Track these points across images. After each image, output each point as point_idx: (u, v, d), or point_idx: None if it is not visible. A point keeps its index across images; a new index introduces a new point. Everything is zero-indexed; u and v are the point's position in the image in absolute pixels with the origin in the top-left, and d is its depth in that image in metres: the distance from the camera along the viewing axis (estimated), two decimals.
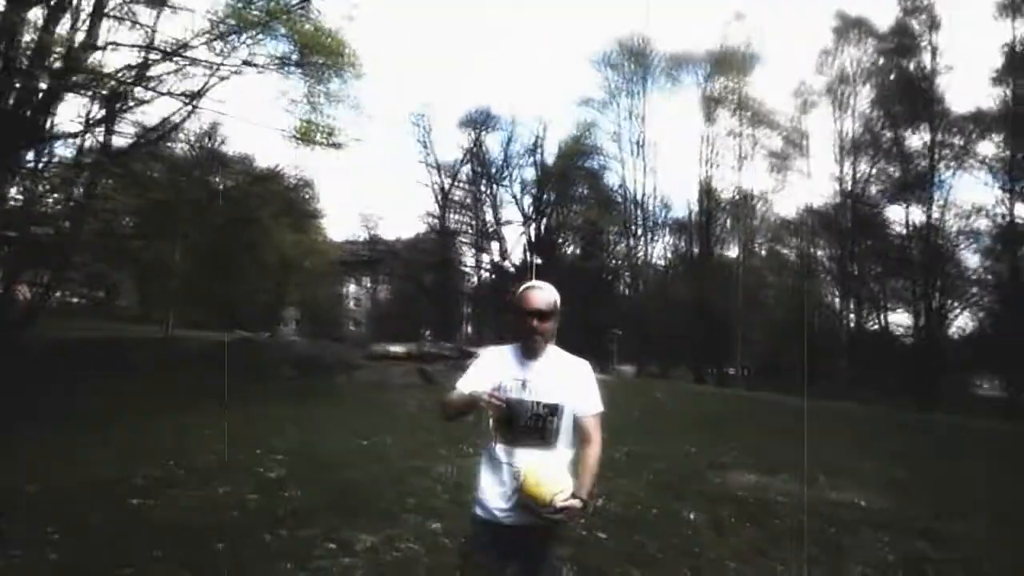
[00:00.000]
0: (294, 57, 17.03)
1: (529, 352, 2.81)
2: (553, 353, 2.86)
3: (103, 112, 18.11)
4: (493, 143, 50.43)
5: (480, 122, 49.06)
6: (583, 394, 2.79)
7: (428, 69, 74.46)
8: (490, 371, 2.84)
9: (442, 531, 5.89)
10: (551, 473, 2.61)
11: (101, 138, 18.84)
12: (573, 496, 2.57)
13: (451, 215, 51.28)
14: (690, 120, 47.23)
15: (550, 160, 48.81)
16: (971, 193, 52.74)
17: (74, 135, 18.25)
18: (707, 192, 46.26)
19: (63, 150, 19.78)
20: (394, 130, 63.72)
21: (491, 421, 2.79)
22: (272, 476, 7.66)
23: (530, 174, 49.63)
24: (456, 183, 50.38)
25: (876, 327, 43.81)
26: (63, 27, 16.14)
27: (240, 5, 16.63)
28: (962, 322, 41.83)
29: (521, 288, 2.88)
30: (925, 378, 37.10)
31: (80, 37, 16.34)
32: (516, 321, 2.81)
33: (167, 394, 14.28)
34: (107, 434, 9.74)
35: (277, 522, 5.99)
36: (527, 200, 49.61)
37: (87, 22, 16.72)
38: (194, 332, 28.05)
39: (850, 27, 42.81)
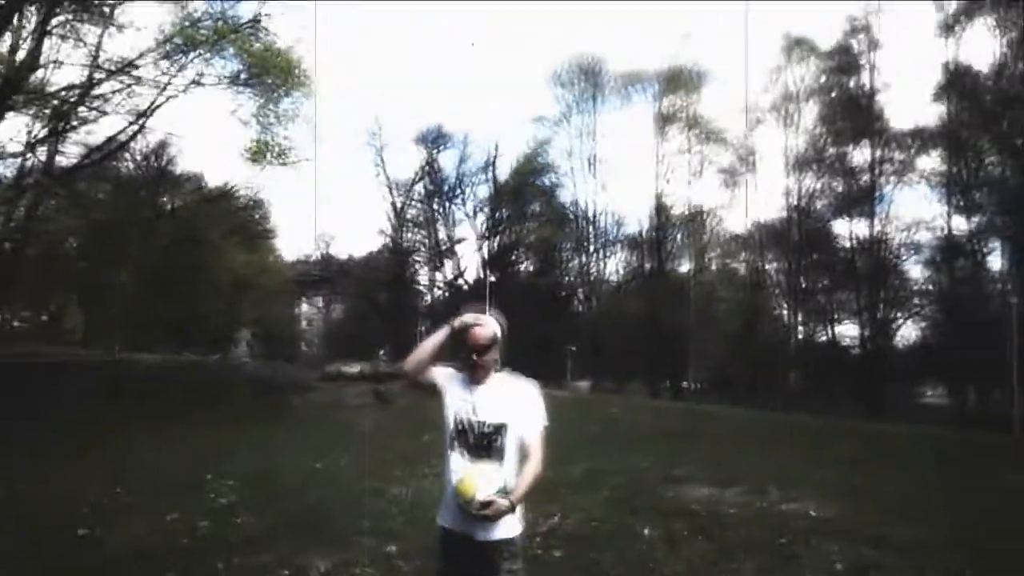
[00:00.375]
0: (244, 76, 16.90)
1: (476, 379, 3.08)
2: (499, 377, 3.13)
3: (46, 131, 17.74)
4: (446, 161, 50.42)
5: (433, 140, 49.17)
6: (526, 413, 3.06)
7: (380, 87, 74.36)
8: (447, 383, 3.13)
9: (398, 553, 5.85)
10: (482, 475, 2.84)
11: (44, 158, 18.47)
12: (506, 498, 2.81)
13: (405, 233, 51.18)
14: (642, 137, 47.94)
15: (503, 178, 49.07)
16: (913, 207, 54.59)
17: (16, 155, 17.83)
18: (659, 208, 46.89)
19: (4, 170, 19.33)
20: (347, 148, 63.35)
21: (447, 436, 3.06)
22: (224, 501, 7.53)
23: (484, 192, 49.89)
24: (410, 201, 50.34)
25: (824, 338, 44.82)
26: (3, 45, 15.83)
27: (188, 24, 16.49)
28: (906, 332, 43.15)
29: (468, 315, 3.12)
30: (872, 387, 37.99)
31: (22, 55, 16.02)
32: (462, 353, 3.08)
33: (113, 419, 13.94)
34: (51, 461, 9.49)
35: (230, 549, 5.89)
36: (481, 217, 49.82)
37: (29, 40, 16.40)
38: (141, 355, 27.48)
39: (794, 46, 43.93)
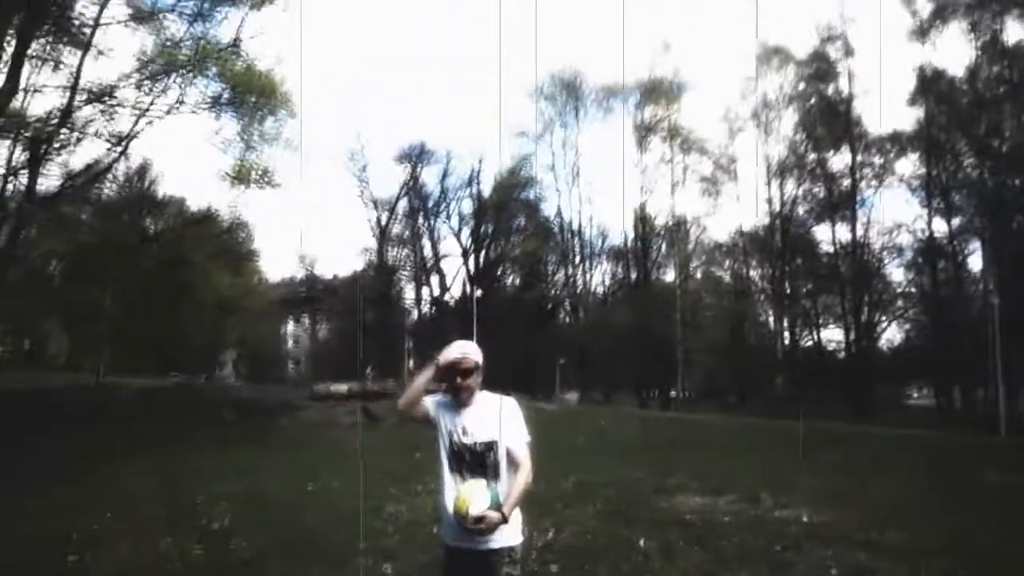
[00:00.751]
0: (226, 97, 16.87)
1: (462, 402, 3.30)
2: (482, 397, 3.34)
3: (26, 156, 17.64)
4: (429, 177, 50.37)
5: (416, 156, 49.11)
6: (512, 428, 3.27)
7: (362, 105, 74.44)
8: (438, 411, 3.33)
9: (394, 573, 5.84)
10: (475, 492, 3.05)
11: (26, 183, 18.35)
12: (499, 512, 3.02)
13: (390, 250, 51.04)
14: (623, 149, 48.12)
15: (487, 192, 49.12)
16: (893, 210, 54.94)
17: None
18: (642, 219, 47.07)
19: None
20: (330, 166, 63.34)
21: (442, 458, 3.26)
22: (217, 525, 7.48)
23: (467, 207, 49.83)
24: (393, 218, 50.24)
25: (810, 343, 45.08)
26: None
27: (168, 45, 16.48)
28: (891, 334, 43.51)
29: (450, 348, 3.34)
30: (859, 390, 38.20)
31: (1, 81, 15.94)
32: (447, 379, 3.29)
33: (101, 445, 13.82)
34: (39, 489, 9.39)
35: (225, 573, 5.85)
36: (465, 233, 49.75)
37: (7, 65, 16.31)
38: (127, 379, 27.26)
39: (770, 55, 44.31)
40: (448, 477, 3.24)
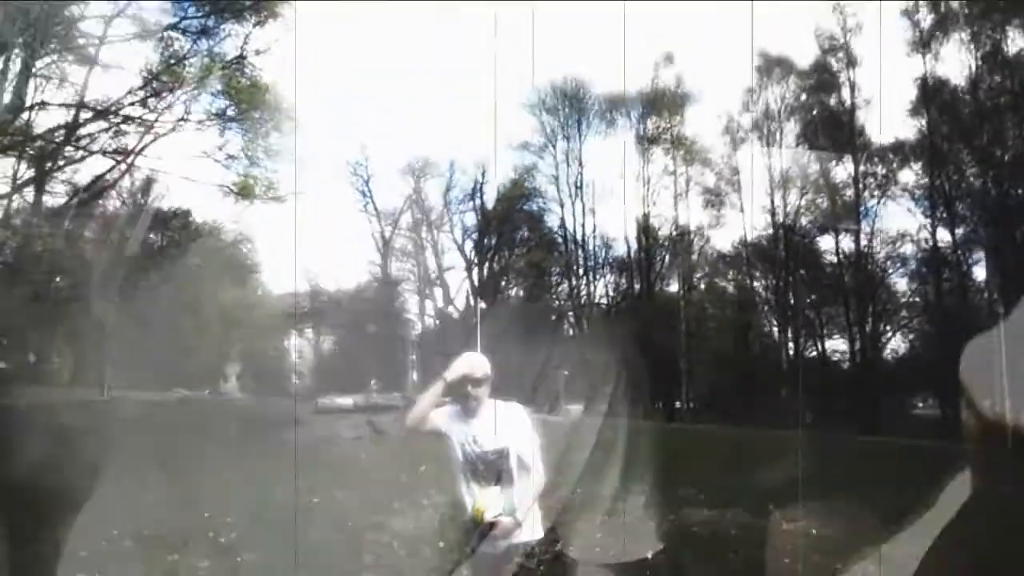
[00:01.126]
0: (231, 112, 16.95)
1: (471, 412, 3.53)
2: (490, 406, 3.54)
3: (33, 172, 17.73)
4: (433, 190, 50.38)
5: (419, 169, 49.12)
6: (520, 434, 3.49)
7: (366, 117, 74.50)
8: (448, 423, 3.58)
9: None
10: (489, 499, 3.32)
11: (31, 199, 18.43)
12: (511, 516, 3.28)
13: (393, 263, 51.02)
14: (626, 160, 48.01)
15: (490, 204, 49.09)
16: (896, 220, 54.61)
17: (2, 197, 17.78)
18: (645, 230, 46.97)
19: None
20: (332, 179, 63.29)
21: (456, 468, 3.54)
22: (223, 541, 7.46)
23: (471, 219, 49.76)
24: (397, 231, 50.20)
25: (815, 354, 44.89)
26: None
27: (173, 61, 16.58)
28: (895, 345, 43.29)
29: (458, 363, 3.51)
30: (864, 402, 38.04)
31: (7, 98, 16.04)
32: (457, 389, 3.51)
33: (105, 460, 13.78)
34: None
35: None
36: (468, 245, 49.70)
37: (14, 82, 16.42)
38: (130, 393, 27.23)
39: (772, 66, 44.31)
40: (464, 486, 3.41)
